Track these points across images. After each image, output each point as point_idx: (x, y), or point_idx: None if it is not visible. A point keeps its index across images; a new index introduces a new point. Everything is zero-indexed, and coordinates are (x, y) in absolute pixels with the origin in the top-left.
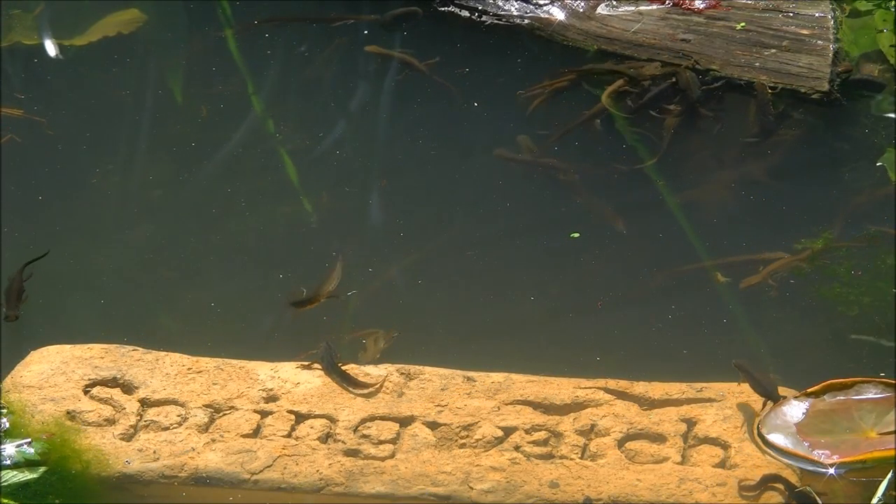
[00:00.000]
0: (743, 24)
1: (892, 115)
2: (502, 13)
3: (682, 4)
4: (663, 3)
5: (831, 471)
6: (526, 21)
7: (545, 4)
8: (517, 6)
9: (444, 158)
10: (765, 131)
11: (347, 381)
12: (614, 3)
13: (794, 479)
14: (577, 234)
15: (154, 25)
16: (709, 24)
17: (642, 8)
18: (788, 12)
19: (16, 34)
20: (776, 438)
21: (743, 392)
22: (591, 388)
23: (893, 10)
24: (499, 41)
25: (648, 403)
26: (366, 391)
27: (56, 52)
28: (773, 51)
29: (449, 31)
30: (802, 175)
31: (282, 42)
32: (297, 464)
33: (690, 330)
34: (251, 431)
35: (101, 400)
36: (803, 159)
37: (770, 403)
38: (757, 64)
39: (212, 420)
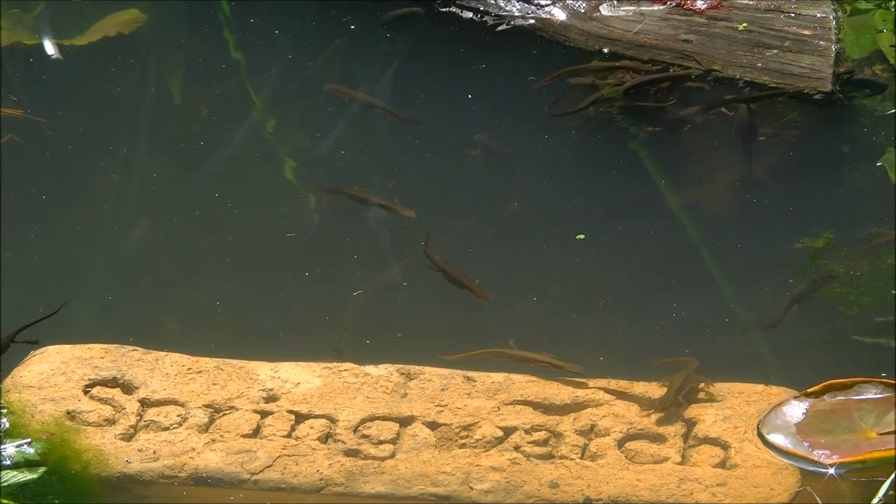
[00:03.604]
0: (745, 24)
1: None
2: (503, 14)
3: (683, 5)
4: (665, 3)
5: (831, 471)
6: (528, 22)
7: (546, 5)
8: (518, 7)
9: (445, 157)
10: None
11: None
12: (615, 3)
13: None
14: (582, 236)
15: (154, 25)
16: (710, 25)
17: (644, 8)
18: (790, 13)
19: (16, 34)
20: (776, 438)
21: (743, 392)
22: (591, 388)
23: (893, 10)
24: (500, 42)
25: (648, 403)
26: None
27: (56, 53)
28: (775, 51)
29: (450, 31)
30: (803, 175)
31: (282, 42)
32: (297, 464)
33: (692, 330)
34: (251, 431)
35: (101, 400)
36: (803, 159)
37: None
38: (759, 65)
39: (212, 420)
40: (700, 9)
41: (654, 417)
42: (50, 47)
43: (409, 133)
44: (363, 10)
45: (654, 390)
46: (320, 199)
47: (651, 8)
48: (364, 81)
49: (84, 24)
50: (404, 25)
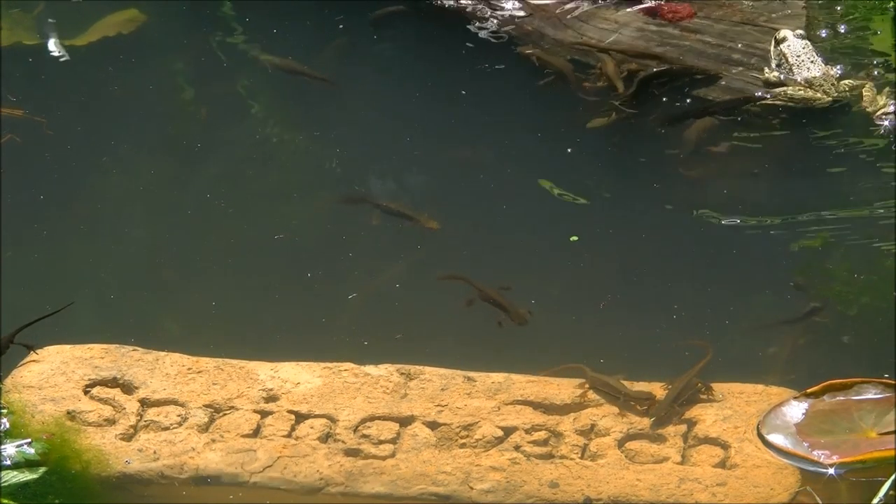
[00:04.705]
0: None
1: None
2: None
3: (660, 13)
4: (647, 12)
5: (831, 471)
6: (502, 31)
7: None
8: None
9: (444, 157)
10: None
11: None
12: (589, 10)
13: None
14: (575, 238)
15: (154, 25)
16: (682, 38)
17: (620, 17)
18: (762, 26)
19: (16, 34)
20: (776, 439)
21: (743, 392)
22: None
23: (892, 10)
24: (499, 41)
25: (647, 405)
26: None
27: (61, 52)
28: (741, 68)
29: (448, 31)
30: (801, 176)
31: (280, 42)
32: (297, 464)
33: (692, 331)
34: (251, 431)
35: (101, 400)
36: (802, 160)
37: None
38: (723, 82)
39: (212, 420)
40: (667, 13)
41: (648, 423)
42: (55, 47)
43: (406, 133)
44: (356, 10)
45: (655, 391)
46: (329, 204)
47: (627, 18)
48: (362, 80)
49: (84, 24)
50: (392, 24)
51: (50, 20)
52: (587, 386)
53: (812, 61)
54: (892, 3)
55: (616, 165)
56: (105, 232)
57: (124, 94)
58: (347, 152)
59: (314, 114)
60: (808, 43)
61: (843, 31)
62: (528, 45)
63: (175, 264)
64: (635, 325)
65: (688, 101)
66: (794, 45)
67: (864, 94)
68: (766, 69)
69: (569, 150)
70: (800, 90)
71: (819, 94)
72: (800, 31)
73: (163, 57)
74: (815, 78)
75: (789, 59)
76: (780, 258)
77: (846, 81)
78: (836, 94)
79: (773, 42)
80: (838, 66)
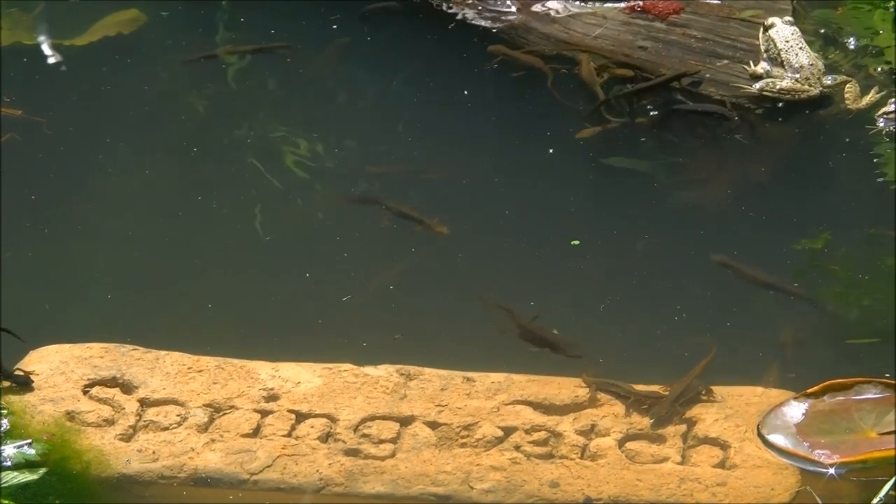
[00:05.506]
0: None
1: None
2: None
3: (646, 8)
4: (631, 11)
5: (831, 471)
6: (488, 23)
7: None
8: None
9: (444, 158)
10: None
11: None
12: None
13: None
14: (577, 242)
15: (154, 25)
16: (669, 32)
17: (607, 9)
18: (748, 21)
19: (16, 34)
20: (776, 439)
21: (743, 392)
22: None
23: (892, 10)
24: (498, 41)
25: (648, 405)
26: None
27: (55, 54)
28: (726, 62)
29: (446, 30)
30: (800, 176)
31: (278, 42)
32: (297, 463)
33: (692, 332)
34: (251, 431)
35: (100, 400)
36: (800, 161)
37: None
38: (708, 76)
39: (212, 420)
40: (652, 8)
41: (648, 423)
42: (49, 49)
43: (403, 134)
44: (351, 9)
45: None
46: (330, 204)
47: (614, 12)
48: (364, 80)
49: (84, 24)
50: (386, 22)
51: (48, 20)
52: (593, 387)
53: (801, 48)
54: (892, 3)
55: (614, 168)
56: (105, 232)
57: (124, 95)
58: (346, 153)
59: (313, 114)
60: (797, 30)
61: (835, 29)
62: (498, 44)
63: (175, 264)
64: (635, 325)
65: (674, 105)
66: (782, 30)
67: (847, 90)
68: (752, 63)
69: (566, 152)
70: (787, 82)
71: (806, 87)
72: (788, 18)
73: (163, 57)
74: (803, 67)
75: (778, 45)
76: (780, 258)
77: (829, 79)
78: (822, 87)
79: (761, 29)
80: (829, 70)
